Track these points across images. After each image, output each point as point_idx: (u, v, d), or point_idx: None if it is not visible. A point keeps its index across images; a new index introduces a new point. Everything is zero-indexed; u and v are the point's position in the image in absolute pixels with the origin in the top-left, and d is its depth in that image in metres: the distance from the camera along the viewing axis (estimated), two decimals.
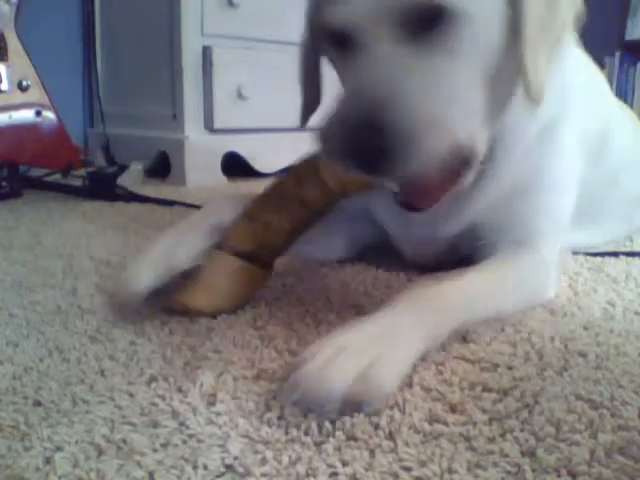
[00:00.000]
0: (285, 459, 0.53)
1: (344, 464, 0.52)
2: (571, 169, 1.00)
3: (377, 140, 0.69)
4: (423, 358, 0.71)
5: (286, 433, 0.57)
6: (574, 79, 0.98)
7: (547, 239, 0.93)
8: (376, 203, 1.04)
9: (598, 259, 1.17)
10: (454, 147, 0.75)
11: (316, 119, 0.86)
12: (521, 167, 0.93)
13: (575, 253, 1.18)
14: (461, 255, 0.95)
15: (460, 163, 0.79)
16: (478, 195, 0.92)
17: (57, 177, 2.04)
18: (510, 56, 0.77)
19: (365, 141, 0.70)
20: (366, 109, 0.70)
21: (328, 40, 0.81)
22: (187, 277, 0.86)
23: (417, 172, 0.73)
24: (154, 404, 0.61)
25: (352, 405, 0.59)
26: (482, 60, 0.76)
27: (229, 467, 0.52)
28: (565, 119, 0.96)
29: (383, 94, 0.70)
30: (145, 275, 0.83)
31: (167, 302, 0.84)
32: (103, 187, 1.86)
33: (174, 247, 0.88)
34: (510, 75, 0.80)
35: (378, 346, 0.64)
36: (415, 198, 0.83)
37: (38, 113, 1.91)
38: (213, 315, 0.85)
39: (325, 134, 0.74)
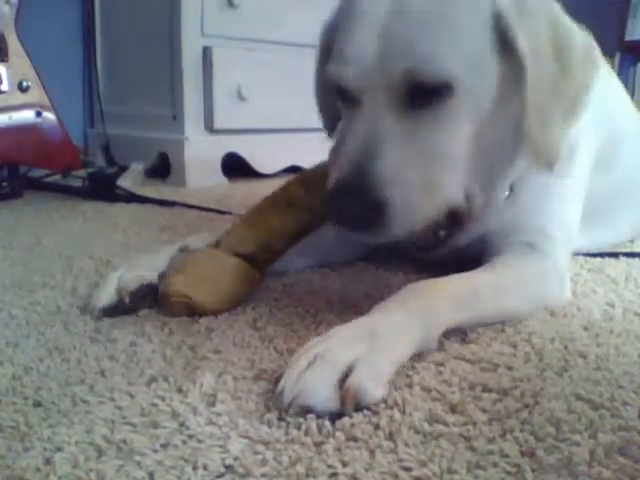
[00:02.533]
0: (285, 459, 0.53)
1: (344, 464, 0.52)
2: (580, 179, 1.01)
3: (361, 209, 0.74)
4: (423, 358, 0.72)
5: (286, 433, 0.57)
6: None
7: (557, 243, 0.93)
8: None
9: (598, 260, 1.17)
10: (446, 210, 0.80)
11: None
12: (535, 189, 0.93)
13: (575, 254, 1.18)
14: (470, 256, 0.95)
15: (456, 218, 0.84)
16: (491, 216, 0.93)
17: (57, 178, 2.04)
18: (509, 116, 0.79)
19: (350, 210, 0.75)
20: (352, 177, 0.74)
21: (335, 91, 0.84)
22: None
23: (404, 236, 0.78)
24: (154, 404, 0.61)
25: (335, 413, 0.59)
26: (477, 126, 0.78)
27: (229, 467, 0.52)
28: (580, 143, 0.96)
29: (373, 162, 0.74)
30: (106, 292, 0.86)
31: (168, 295, 0.84)
32: (103, 188, 1.86)
33: (142, 260, 0.92)
34: (511, 132, 0.82)
35: (356, 350, 0.63)
36: (418, 245, 0.89)
37: (38, 114, 1.91)
38: (214, 313, 0.85)
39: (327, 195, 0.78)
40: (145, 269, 0.89)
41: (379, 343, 0.65)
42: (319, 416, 0.59)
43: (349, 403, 0.59)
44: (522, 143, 0.83)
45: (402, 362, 0.68)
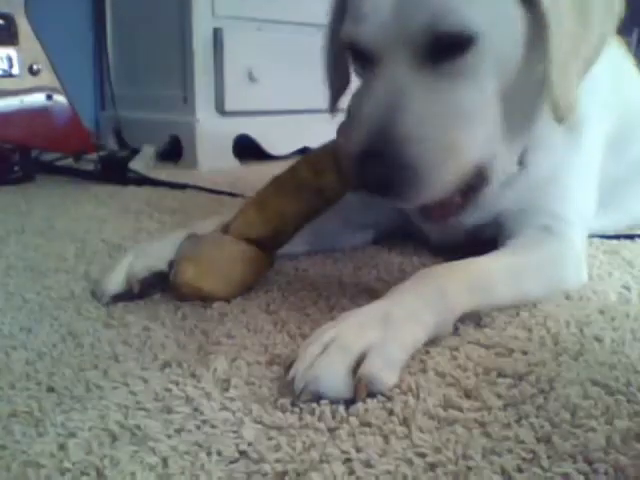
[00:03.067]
0: (299, 445, 0.52)
1: (358, 450, 0.52)
2: (594, 159, 0.99)
3: (388, 172, 0.71)
4: (437, 343, 0.71)
5: (300, 419, 0.56)
6: (601, 74, 0.94)
7: (573, 226, 0.91)
8: None
9: (614, 242, 1.16)
10: (470, 170, 0.77)
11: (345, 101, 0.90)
12: (551, 160, 0.92)
13: (590, 236, 1.17)
14: (485, 238, 0.94)
15: (477, 180, 0.81)
16: (505, 191, 0.91)
17: (69, 161, 2.04)
18: (532, 72, 0.77)
19: (376, 174, 0.72)
20: (377, 141, 0.72)
21: (350, 50, 0.81)
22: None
23: (432, 198, 0.76)
24: (168, 390, 0.61)
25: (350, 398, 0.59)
26: (501, 81, 0.75)
27: (243, 453, 0.52)
28: (590, 116, 0.94)
29: (397, 122, 0.71)
30: (115, 280, 0.86)
31: (179, 285, 0.84)
32: (115, 171, 1.86)
33: (151, 248, 0.91)
34: (534, 89, 0.80)
35: (369, 337, 0.62)
36: (435, 211, 0.85)
37: (49, 97, 1.91)
38: (226, 299, 0.85)
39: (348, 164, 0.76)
40: (154, 257, 0.89)
41: (392, 329, 0.64)
42: (333, 401, 0.58)
43: (362, 391, 0.58)
44: (542, 100, 0.81)
45: (416, 348, 0.67)
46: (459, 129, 0.74)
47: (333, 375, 0.59)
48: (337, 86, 0.98)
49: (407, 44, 0.73)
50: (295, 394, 0.59)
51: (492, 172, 0.82)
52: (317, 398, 0.59)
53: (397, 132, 0.71)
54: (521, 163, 0.90)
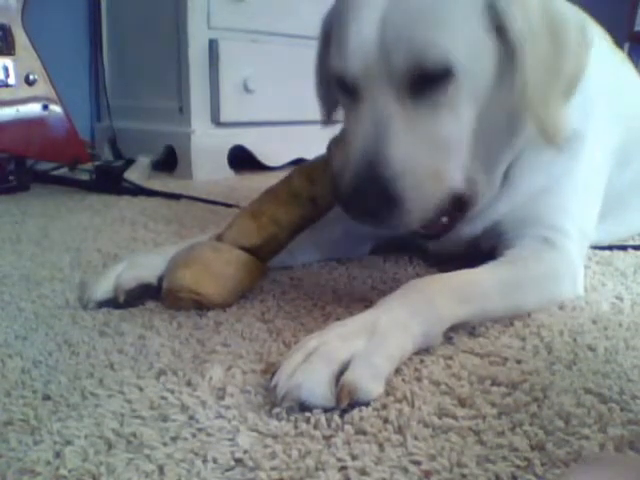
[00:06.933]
0: (294, 453, 0.53)
1: (353, 458, 0.52)
2: (597, 172, 1.00)
3: (375, 206, 0.75)
4: (431, 352, 0.71)
5: (295, 427, 0.57)
6: (597, 83, 0.96)
7: (572, 238, 0.92)
8: None
9: (606, 253, 1.17)
10: (450, 196, 0.80)
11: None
12: (544, 175, 0.93)
13: None
14: (484, 249, 0.95)
15: (461, 204, 0.85)
16: (497, 205, 0.93)
17: (64, 171, 2.04)
18: (508, 98, 0.79)
19: (364, 207, 0.76)
20: (364, 172, 0.75)
21: (335, 82, 0.84)
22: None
23: (416, 224, 0.79)
24: (163, 398, 0.62)
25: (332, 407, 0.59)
26: (477, 110, 0.79)
27: (239, 461, 0.52)
28: (588, 125, 0.95)
29: (380, 154, 0.75)
30: (103, 287, 0.87)
31: (174, 291, 0.85)
32: (110, 181, 1.87)
33: (142, 260, 0.92)
34: (509, 115, 0.83)
35: (353, 346, 0.62)
36: (425, 230, 0.87)
37: (45, 107, 1.91)
38: (222, 306, 0.85)
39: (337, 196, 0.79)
40: (144, 269, 0.89)
41: (378, 339, 0.64)
42: (326, 410, 0.58)
43: (344, 400, 0.58)
44: (519, 126, 0.85)
45: (403, 358, 0.67)
46: (440, 158, 0.78)
47: (315, 383, 0.59)
48: (330, 101, 0.99)
49: (390, 78, 0.76)
50: (277, 401, 0.59)
51: (475, 194, 0.85)
52: (299, 406, 0.59)
53: (384, 165, 0.74)
54: (506, 178, 0.92)
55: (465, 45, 0.76)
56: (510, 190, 0.92)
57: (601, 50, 1.02)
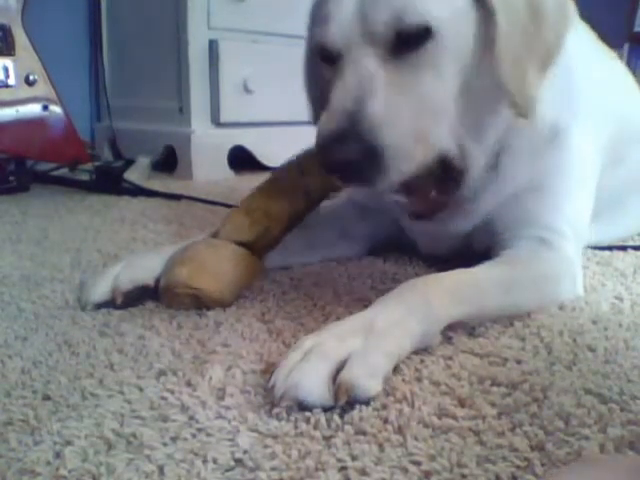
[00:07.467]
0: (294, 453, 0.53)
1: (353, 458, 0.52)
2: (587, 170, 0.99)
3: (356, 155, 0.74)
4: (431, 352, 0.71)
5: (295, 427, 0.57)
6: (583, 78, 0.97)
7: (568, 238, 0.91)
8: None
9: (606, 253, 1.17)
10: (437, 158, 0.80)
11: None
12: (532, 168, 0.93)
13: (584, 248, 1.18)
14: (478, 249, 0.95)
15: (453, 174, 0.84)
16: (487, 195, 0.93)
17: (64, 171, 2.04)
18: (492, 71, 0.79)
19: (344, 157, 0.74)
20: (345, 124, 0.74)
21: (320, 56, 0.85)
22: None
23: (398, 181, 0.78)
24: (163, 398, 0.62)
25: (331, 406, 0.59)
26: (461, 74, 0.79)
27: (239, 461, 0.52)
28: (575, 121, 0.95)
29: (362, 109, 0.74)
30: (101, 289, 0.87)
31: (173, 287, 0.85)
32: (110, 181, 1.87)
33: (139, 261, 0.92)
34: (495, 89, 0.82)
35: (350, 345, 0.63)
36: (418, 206, 0.88)
37: (45, 107, 1.91)
38: (220, 301, 0.85)
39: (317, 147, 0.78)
40: (141, 270, 0.89)
41: (375, 337, 0.64)
42: (325, 409, 0.58)
43: (341, 397, 0.58)
44: (505, 95, 0.84)
45: (402, 357, 0.67)
46: (423, 116, 0.78)
47: (313, 381, 0.59)
48: (319, 100, 0.99)
49: (371, 40, 0.77)
50: (275, 400, 0.59)
51: (463, 166, 0.85)
52: (297, 404, 0.59)
53: (364, 118, 0.74)
54: (494, 168, 0.91)
55: (443, 6, 0.77)
56: (499, 179, 0.92)
57: (586, 46, 1.03)
